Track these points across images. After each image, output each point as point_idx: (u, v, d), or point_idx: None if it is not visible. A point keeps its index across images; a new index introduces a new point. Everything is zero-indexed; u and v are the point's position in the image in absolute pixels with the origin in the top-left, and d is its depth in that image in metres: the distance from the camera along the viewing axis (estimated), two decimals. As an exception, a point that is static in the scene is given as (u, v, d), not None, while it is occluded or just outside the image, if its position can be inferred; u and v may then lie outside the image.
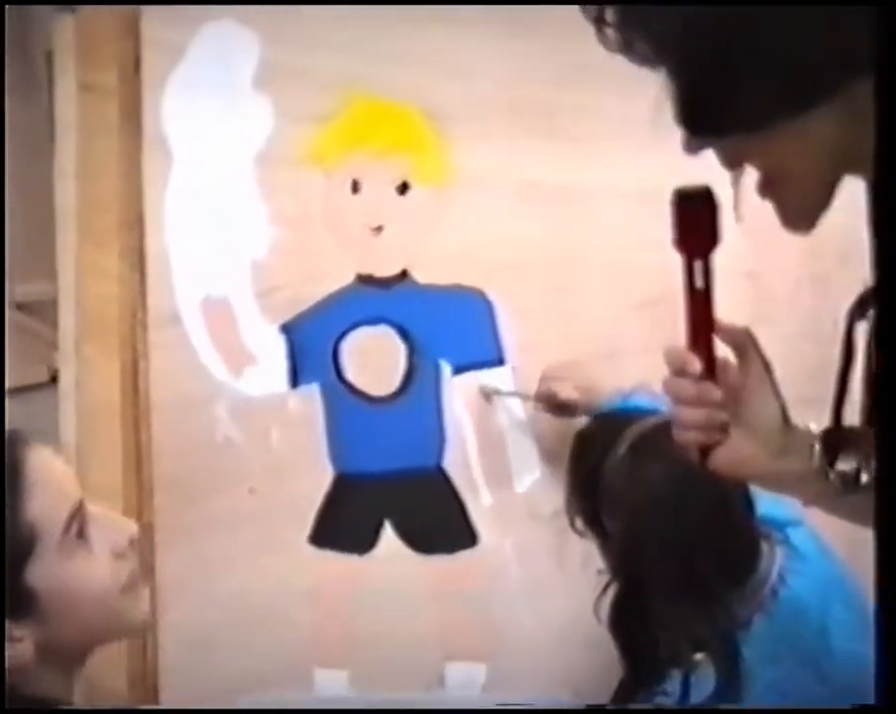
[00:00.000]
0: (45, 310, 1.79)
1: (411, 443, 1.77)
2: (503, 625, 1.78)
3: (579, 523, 1.48)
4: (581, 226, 1.77)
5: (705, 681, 1.33)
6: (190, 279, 1.68)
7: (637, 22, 0.88)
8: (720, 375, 1.02)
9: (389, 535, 1.75)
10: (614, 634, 1.39)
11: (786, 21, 0.82)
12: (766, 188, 0.94)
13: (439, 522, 1.77)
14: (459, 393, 1.77)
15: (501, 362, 1.78)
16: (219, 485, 1.68)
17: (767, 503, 1.45)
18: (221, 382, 1.69)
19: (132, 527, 1.20)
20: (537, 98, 1.74)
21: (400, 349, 1.76)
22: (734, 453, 1.04)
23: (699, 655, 1.33)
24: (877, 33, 0.80)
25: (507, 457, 1.79)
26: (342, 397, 1.74)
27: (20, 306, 1.87)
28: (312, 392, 1.73)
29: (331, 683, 1.73)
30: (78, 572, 1.11)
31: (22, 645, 1.06)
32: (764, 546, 1.41)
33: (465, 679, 1.77)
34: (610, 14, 0.89)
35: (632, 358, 1.76)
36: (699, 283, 1.00)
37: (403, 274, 1.76)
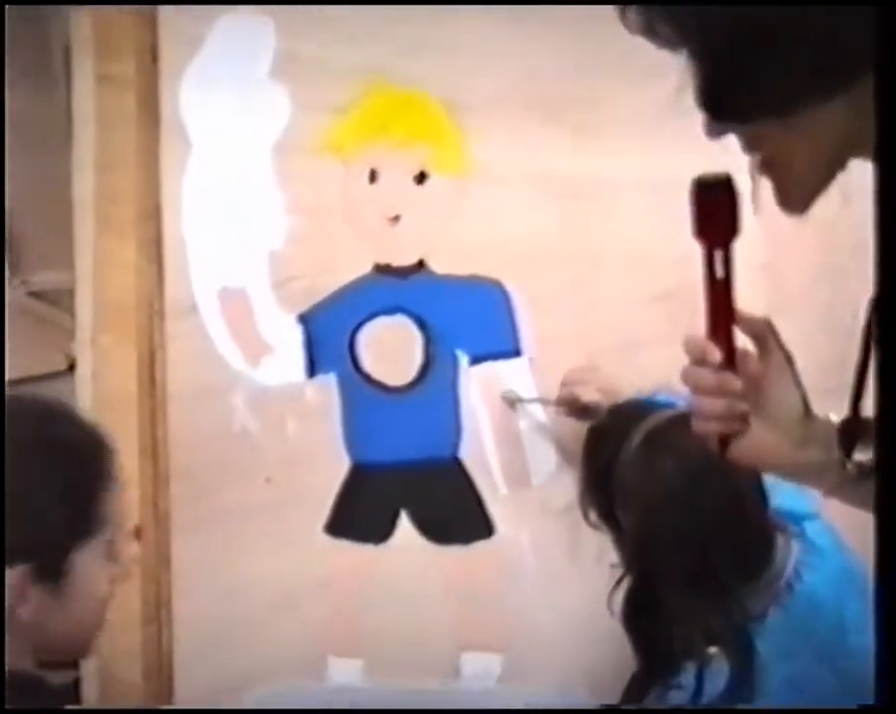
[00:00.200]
0: (63, 300, 1.80)
1: (428, 434, 1.77)
2: (518, 616, 1.78)
3: (593, 516, 1.48)
4: (598, 218, 1.76)
5: (719, 675, 1.32)
6: (208, 269, 1.68)
7: (660, 4, 0.87)
8: (740, 365, 1.01)
9: (405, 525, 1.75)
10: (627, 627, 1.39)
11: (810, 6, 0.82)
12: (765, 168, 0.93)
13: (455, 512, 1.77)
14: (476, 384, 1.77)
15: (517, 353, 1.77)
16: (235, 475, 1.69)
17: (783, 496, 1.45)
18: (238, 372, 1.69)
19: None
20: (556, 89, 1.73)
21: (417, 339, 1.75)
22: (755, 443, 1.03)
23: (713, 649, 1.33)
24: (877, 33, 0.80)
25: (524, 448, 1.78)
26: (359, 387, 1.74)
27: (38, 295, 1.89)
28: (329, 382, 1.73)
29: (346, 673, 1.74)
30: (98, 579, 1.14)
31: (27, 606, 1.07)
32: (780, 540, 1.40)
33: (480, 670, 1.77)
34: None
35: (649, 349, 1.75)
36: (719, 272, 0.99)
37: (421, 264, 1.76)
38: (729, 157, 0.97)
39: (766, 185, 0.96)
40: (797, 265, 1.91)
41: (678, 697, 1.35)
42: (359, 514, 1.74)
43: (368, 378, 1.74)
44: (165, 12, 1.62)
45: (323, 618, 1.73)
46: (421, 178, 1.74)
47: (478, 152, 1.74)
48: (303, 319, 1.72)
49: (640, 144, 1.73)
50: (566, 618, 1.76)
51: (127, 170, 1.63)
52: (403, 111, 1.72)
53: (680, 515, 1.33)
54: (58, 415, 1.16)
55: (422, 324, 1.75)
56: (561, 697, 1.72)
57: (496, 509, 1.77)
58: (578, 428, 1.67)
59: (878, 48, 0.80)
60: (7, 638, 1.08)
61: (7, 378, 1.74)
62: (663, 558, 1.33)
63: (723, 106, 0.89)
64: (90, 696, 1.61)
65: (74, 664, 1.58)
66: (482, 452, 1.77)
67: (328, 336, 1.73)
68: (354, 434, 1.74)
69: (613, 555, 1.45)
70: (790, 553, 1.41)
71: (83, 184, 1.63)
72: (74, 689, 1.59)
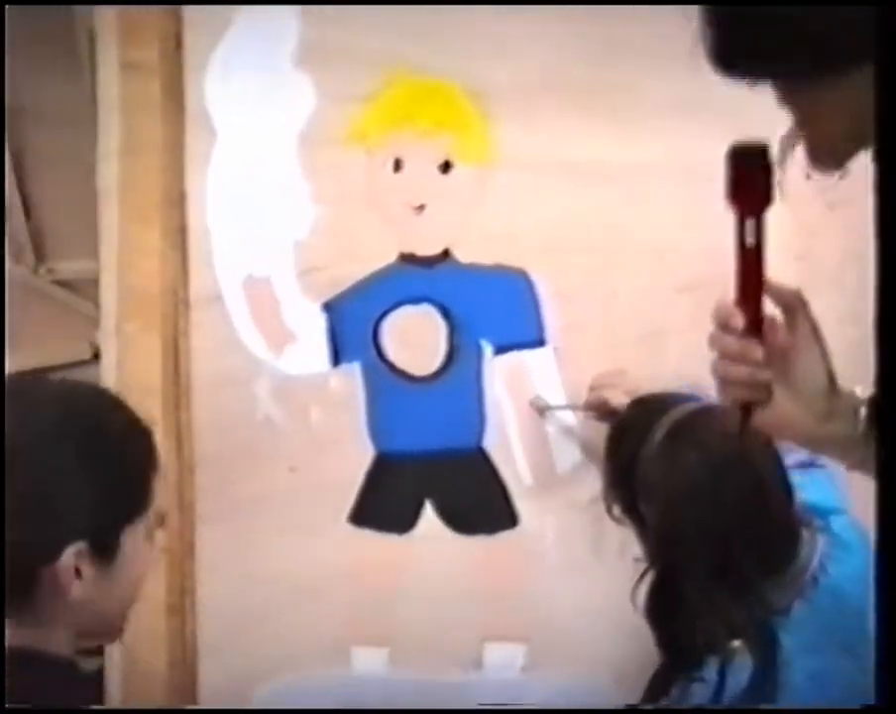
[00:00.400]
0: (88, 288, 1.81)
1: (452, 423, 1.77)
2: (542, 606, 1.77)
3: (616, 511, 1.47)
4: (624, 206, 1.74)
5: (743, 670, 1.31)
6: (232, 257, 1.69)
7: None
8: (767, 334, 1.01)
9: (429, 514, 1.75)
10: (650, 621, 1.38)
11: None
12: (799, 126, 0.93)
13: (479, 502, 1.77)
14: (500, 373, 1.76)
15: (542, 343, 1.76)
16: (259, 464, 1.69)
17: (809, 490, 1.43)
18: (262, 360, 1.70)
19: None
20: (581, 77, 1.71)
21: (442, 329, 1.75)
22: (778, 414, 1.04)
23: (736, 643, 1.32)
24: (877, 32, 0.79)
25: (548, 438, 1.78)
26: (383, 376, 1.74)
27: (63, 284, 1.90)
28: (353, 371, 1.73)
29: (369, 663, 1.74)
30: (143, 556, 1.16)
31: (80, 584, 1.08)
32: (805, 534, 1.39)
33: (504, 660, 1.77)
34: None
35: (674, 339, 1.74)
36: (750, 240, 0.99)
37: (445, 253, 1.75)
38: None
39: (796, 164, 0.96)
40: (824, 251, 1.89)
41: (701, 691, 1.35)
42: (383, 503, 1.74)
43: (392, 367, 1.74)
44: (189, -1, 1.62)
45: (347, 607, 1.74)
46: (446, 166, 1.73)
47: (503, 140, 1.73)
48: (328, 308, 1.72)
49: (667, 132, 1.71)
50: (590, 608, 1.75)
51: (151, 157, 1.63)
52: (428, 100, 1.71)
53: (704, 509, 1.32)
54: (111, 400, 1.20)
55: (447, 314, 1.75)
56: (584, 688, 1.72)
57: (520, 499, 1.76)
58: (604, 431, 1.66)
59: (878, 48, 0.79)
60: (50, 622, 1.09)
61: (32, 366, 1.76)
62: (686, 552, 1.32)
63: (730, 65, 0.89)
64: (114, 684, 1.62)
65: (99, 651, 1.59)
66: (506, 442, 1.76)
67: (352, 325, 1.73)
68: (378, 424, 1.74)
69: (636, 549, 1.44)
70: (815, 548, 1.39)
71: (108, 172, 1.63)
72: (99, 677, 1.60)
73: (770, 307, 1.03)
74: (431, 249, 1.75)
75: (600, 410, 1.67)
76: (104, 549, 1.10)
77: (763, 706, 1.32)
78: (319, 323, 1.72)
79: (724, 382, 1.04)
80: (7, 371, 1.79)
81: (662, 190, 1.73)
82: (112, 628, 1.21)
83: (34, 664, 1.08)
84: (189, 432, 1.66)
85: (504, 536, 1.76)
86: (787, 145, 0.97)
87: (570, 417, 1.76)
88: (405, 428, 1.75)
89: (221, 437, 1.68)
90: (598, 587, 1.72)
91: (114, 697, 1.61)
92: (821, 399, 1.03)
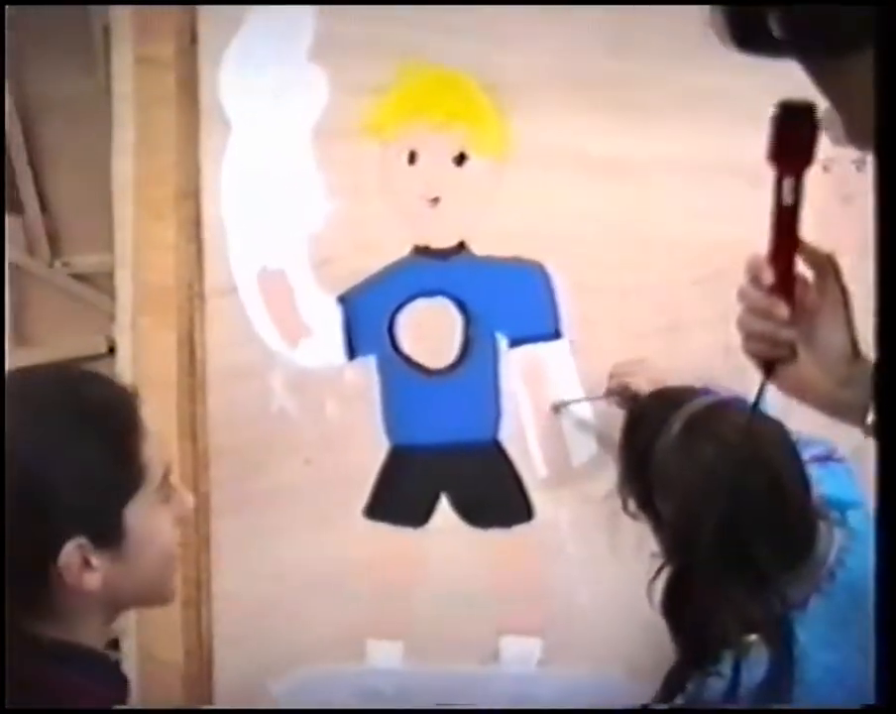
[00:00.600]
0: (104, 282, 1.81)
1: (467, 416, 1.76)
2: (558, 600, 1.77)
3: (632, 505, 1.46)
4: (640, 199, 1.73)
5: (759, 664, 1.31)
6: (247, 250, 1.69)
7: None
8: (796, 294, 1.02)
9: (444, 508, 1.75)
10: (666, 617, 1.37)
11: None
12: (835, 103, 0.92)
13: (495, 495, 1.76)
14: (515, 366, 1.76)
15: (557, 335, 1.76)
16: (274, 456, 1.69)
17: (827, 484, 1.43)
18: (277, 353, 1.70)
19: (191, 499, 1.22)
20: (596, 69, 1.70)
21: (457, 321, 1.75)
22: (799, 374, 1.05)
23: (752, 637, 1.31)
24: (877, 32, 0.78)
25: (563, 431, 1.77)
26: (398, 369, 1.74)
27: (79, 278, 1.90)
28: (368, 363, 1.73)
29: (385, 656, 1.74)
30: (158, 526, 1.13)
31: (95, 575, 1.07)
32: (822, 528, 1.38)
33: (520, 654, 1.77)
34: None
35: (692, 332, 1.73)
36: (787, 199, 1.00)
37: (461, 245, 1.75)
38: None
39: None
40: (839, 244, 1.88)
41: (717, 685, 1.34)
42: (398, 497, 1.74)
43: (407, 360, 1.74)
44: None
45: (362, 600, 1.74)
46: (461, 159, 1.73)
47: (518, 132, 1.72)
48: (343, 301, 1.72)
49: (683, 125, 1.70)
50: (606, 602, 1.75)
51: (166, 151, 1.64)
52: (443, 92, 1.71)
53: (720, 503, 1.31)
54: (80, 377, 1.16)
55: (462, 306, 1.74)
56: (600, 682, 1.72)
57: (535, 492, 1.76)
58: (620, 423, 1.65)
59: (878, 48, 0.78)
60: (73, 614, 1.08)
61: (48, 360, 1.76)
62: (702, 547, 1.31)
63: (743, 41, 0.88)
64: (130, 675, 1.61)
65: (115, 644, 1.59)
66: (521, 435, 1.76)
67: (368, 318, 1.73)
68: (393, 417, 1.74)
69: (652, 544, 1.43)
70: (832, 541, 1.38)
71: (123, 167, 1.63)
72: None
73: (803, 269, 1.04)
74: (446, 241, 1.74)
75: (622, 395, 1.66)
76: (108, 536, 1.07)
77: (773, 706, 1.31)
78: (334, 316, 1.72)
79: (746, 335, 1.05)
80: (22, 365, 1.79)
81: (678, 183, 1.72)
82: (158, 595, 1.19)
83: (65, 656, 1.07)
84: (204, 425, 1.67)
85: (520, 530, 1.76)
86: (824, 126, 0.96)
87: (587, 410, 1.75)
88: (421, 421, 1.75)
89: (236, 430, 1.68)
90: (614, 581, 1.72)
91: (130, 690, 1.61)
92: (843, 364, 1.04)
